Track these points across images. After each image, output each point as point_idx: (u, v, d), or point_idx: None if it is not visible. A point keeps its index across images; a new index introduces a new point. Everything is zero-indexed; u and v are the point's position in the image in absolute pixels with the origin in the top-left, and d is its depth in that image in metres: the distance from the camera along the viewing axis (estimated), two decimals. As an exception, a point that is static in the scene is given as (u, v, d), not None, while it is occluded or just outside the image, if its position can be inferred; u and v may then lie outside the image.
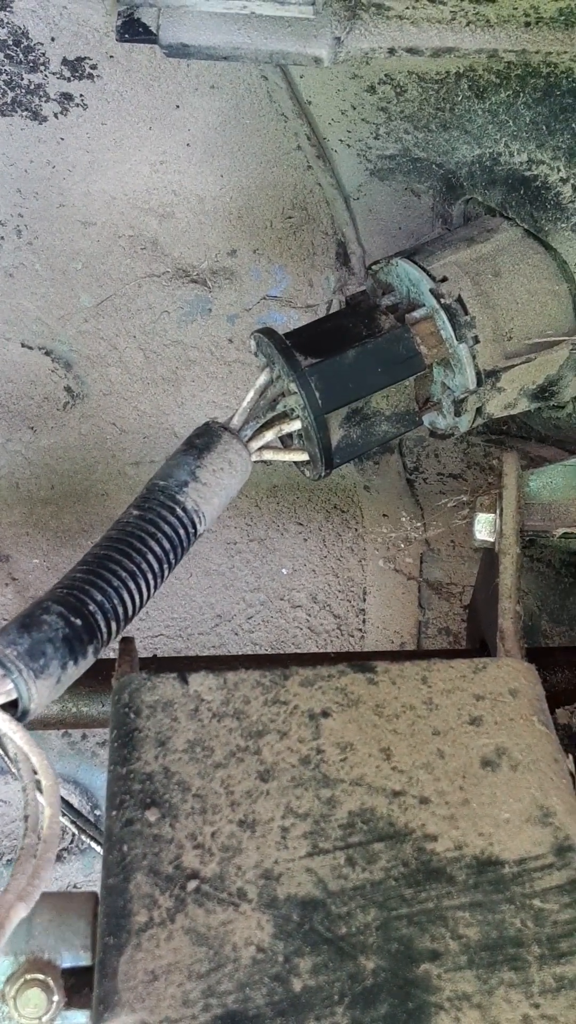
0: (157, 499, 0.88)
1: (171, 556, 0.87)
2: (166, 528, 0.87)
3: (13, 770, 0.75)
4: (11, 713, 0.77)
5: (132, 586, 0.84)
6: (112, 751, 0.79)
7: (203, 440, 0.93)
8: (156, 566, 0.85)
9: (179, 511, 0.88)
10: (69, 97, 1.15)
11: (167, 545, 0.86)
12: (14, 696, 0.77)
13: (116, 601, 0.83)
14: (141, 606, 0.85)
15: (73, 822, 1.23)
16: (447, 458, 1.39)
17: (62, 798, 1.28)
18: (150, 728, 0.79)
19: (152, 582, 0.85)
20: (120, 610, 0.83)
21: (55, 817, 0.72)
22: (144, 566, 0.85)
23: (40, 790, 0.73)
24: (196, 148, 1.19)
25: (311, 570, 1.47)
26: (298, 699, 0.82)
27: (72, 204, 1.23)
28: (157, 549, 0.86)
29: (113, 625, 0.83)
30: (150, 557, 0.85)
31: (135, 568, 0.84)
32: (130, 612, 0.84)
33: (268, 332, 1.00)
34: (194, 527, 0.88)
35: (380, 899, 0.70)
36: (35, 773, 0.74)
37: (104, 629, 0.82)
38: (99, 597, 0.82)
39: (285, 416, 0.99)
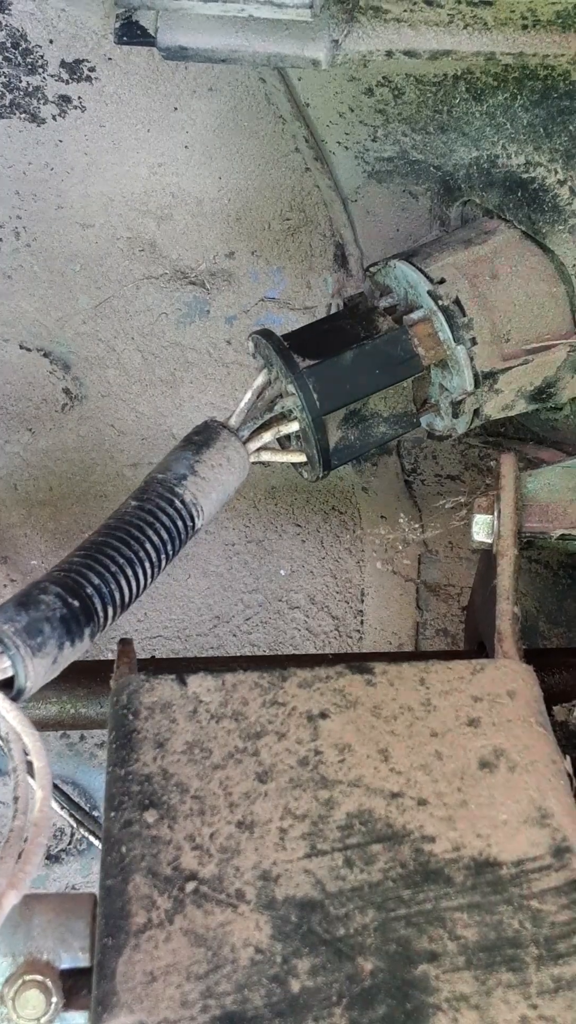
0: (156, 491, 0.88)
1: (168, 547, 0.87)
2: (164, 519, 0.87)
3: (4, 749, 0.74)
4: (5, 692, 0.75)
5: (129, 572, 0.83)
6: (111, 752, 0.79)
7: (202, 437, 0.93)
8: (153, 555, 0.85)
9: (177, 503, 0.88)
10: (67, 99, 1.15)
11: (165, 536, 0.86)
12: (11, 673, 0.76)
13: (113, 586, 0.82)
14: (138, 594, 0.85)
15: (72, 815, 1.23)
16: (445, 460, 1.40)
17: (64, 793, 1.28)
18: (148, 729, 0.79)
19: (149, 571, 0.85)
20: (117, 595, 0.83)
21: (47, 800, 0.70)
22: (142, 554, 0.85)
23: (31, 773, 0.72)
24: (194, 150, 1.19)
25: (309, 571, 1.47)
26: (296, 700, 0.82)
27: (70, 206, 1.23)
28: (155, 539, 0.86)
29: (110, 610, 0.82)
30: (148, 546, 0.85)
31: (133, 556, 0.84)
32: (127, 599, 0.84)
33: (266, 333, 1.00)
34: (192, 520, 0.88)
35: (378, 900, 0.70)
36: (27, 754, 0.73)
37: (101, 613, 0.82)
38: (96, 581, 0.82)
39: (283, 417, 0.99)
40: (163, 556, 0.86)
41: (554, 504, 1.02)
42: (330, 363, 0.99)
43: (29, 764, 0.72)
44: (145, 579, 0.85)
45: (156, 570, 0.86)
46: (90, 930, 0.73)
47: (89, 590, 0.81)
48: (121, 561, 0.83)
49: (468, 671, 0.84)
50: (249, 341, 1.02)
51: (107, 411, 1.36)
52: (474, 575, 1.15)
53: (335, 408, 1.00)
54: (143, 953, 0.67)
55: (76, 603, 0.80)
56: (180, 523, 0.87)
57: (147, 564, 0.85)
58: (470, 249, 1.06)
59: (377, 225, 1.21)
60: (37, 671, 0.77)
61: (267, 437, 0.97)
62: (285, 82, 1.10)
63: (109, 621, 0.83)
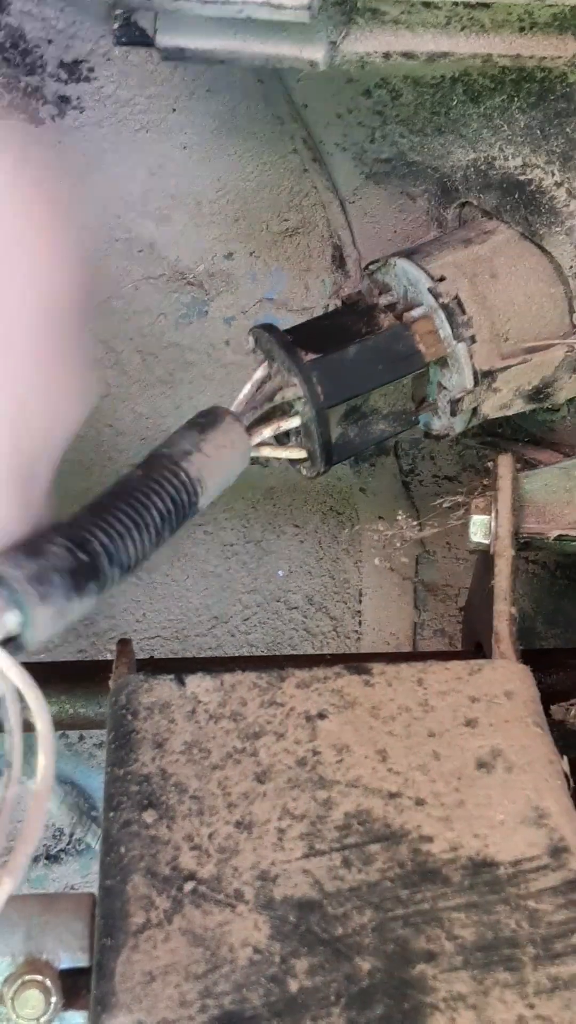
0: (161, 463, 0.88)
1: (172, 517, 0.86)
2: (169, 489, 0.86)
3: None
4: (6, 647, 0.71)
5: (136, 536, 0.82)
6: (109, 753, 0.79)
7: (207, 420, 0.93)
8: (158, 522, 0.84)
9: (183, 475, 0.87)
10: (66, 100, 1.15)
11: (169, 505, 0.85)
12: (17, 620, 0.72)
13: (120, 545, 0.81)
14: (141, 561, 0.84)
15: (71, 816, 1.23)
16: (442, 460, 1.40)
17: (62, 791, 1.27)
18: (147, 730, 0.80)
19: (153, 539, 0.84)
20: (124, 557, 0.81)
21: (50, 768, 0.65)
22: (148, 519, 0.84)
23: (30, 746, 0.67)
24: (193, 151, 1.19)
25: (307, 572, 1.47)
26: (294, 701, 0.82)
27: (69, 207, 1.23)
28: (160, 505, 0.84)
29: (116, 572, 0.81)
30: (153, 512, 0.84)
31: (139, 519, 0.83)
32: (131, 562, 0.82)
33: (268, 327, 1.00)
34: (196, 495, 0.88)
35: (376, 900, 0.70)
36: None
37: (107, 571, 0.80)
38: (104, 539, 0.80)
39: (283, 412, 0.99)
40: (166, 526, 0.85)
41: (551, 505, 1.02)
42: (334, 357, 0.99)
43: (27, 725, 0.67)
44: (148, 546, 0.84)
45: (159, 539, 0.85)
46: (89, 930, 0.73)
47: (96, 546, 0.79)
48: (128, 523, 0.82)
49: (466, 671, 0.84)
50: (250, 336, 1.02)
51: (105, 411, 1.36)
52: (471, 576, 1.15)
53: (338, 402, 1.00)
54: (142, 953, 0.67)
55: (84, 557, 0.78)
56: (184, 496, 0.87)
57: (152, 530, 0.84)
58: (470, 248, 1.07)
59: (375, 226, 1.21)
60: (44, 621, 0.75)
61: (267, 432, 0.97)
62: (283, 83, 1.11)
63: (114, 582, 0.81)
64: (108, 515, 0.82)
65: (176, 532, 0.87)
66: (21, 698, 0.69)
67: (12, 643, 0.73)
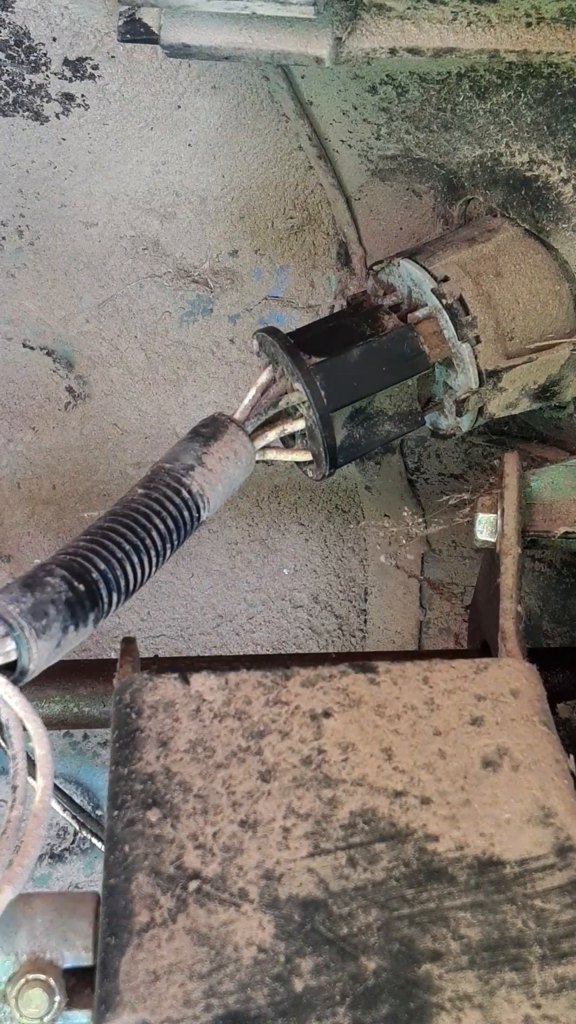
0: (163, 480, 0.88)
1: (174, 536, 0.86)
2: (171, 508, 0.86)
3: (3, 736, 0.73)
4: (7, 674, 0.74)
5: (135, 560, 0.83)
6: (113, 751, 0.79)
7: (210, 429, 0.93)
8: (159, 543, 0.85)
9: (184, 493, 0.87)
10: (71, 97, 1.15)
11: (171, 525, 0.86)
12: (14, 657, 0.75)
13: (119, 572, 0.81)
14: (142, 582, 0.84)
15: (74, 817, 1.23)
16: (448, 458, 1.40)
17: (65, 794, 1.27)
18: (151, 728, 0.79)
19: (154, 560, 0.84)
20: (122, 582, 0.82)
21: (47, 789, 0.68)
22: (148, 542, 0.84)
23: (32, 760, 0.70)
24: (198, 148, 1.19)
25: (312, 570, 1.47)
26: (299, 699, 0.82)
27: (74, 204, 1.23)
28: (161, 527, 0.85)
29: (114, 596, 0.81)
30: (154, 534, 0.84)
31: (139, 543, 0.83)
32: (131, 586, 0.83)
33: (271, 331, 1.00)
34: (198, 511, 0.88)
35: (381, 899, 0.70)
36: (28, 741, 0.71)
37: (106, 599, 0.81)
38: (103, 566, 0.81)
39: (288, 415, 0.99)
40: (168, 545, 0.86)
41: (557, 503, 1.02)
42: (337, 360, 0.98)
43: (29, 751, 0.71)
44: (150, 567, 0.84)
45: (161, 559, 0.85)
46: (93, 929, 0.73)
47: (95, 575, 0.80)
48: (127, 548, 0.82)
49: (471, 670, 0.84)
50: (253, 339, 1.02)
51: (110, 410, 1.36)
52: (477, 574, 1.15)
53: (342, 405, 0.99)
54: (146, 952, 0.67)
55: (82, 587, 0.79)
56: (186, 513, 0.87)
57: (152, 552, 0.84)
58: (474, 247, 1.06)
59: (380, 223, 1.21)
60: (41, 653, 0.76)
61: (272, 436, 0.97)
62: (288, 80, 1.10)
63: (113, 607, 0.82)
64: (107, 540, 0.82)
65: (180, 547, 0.87)
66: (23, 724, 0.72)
67: (14, 674, 0.75)
